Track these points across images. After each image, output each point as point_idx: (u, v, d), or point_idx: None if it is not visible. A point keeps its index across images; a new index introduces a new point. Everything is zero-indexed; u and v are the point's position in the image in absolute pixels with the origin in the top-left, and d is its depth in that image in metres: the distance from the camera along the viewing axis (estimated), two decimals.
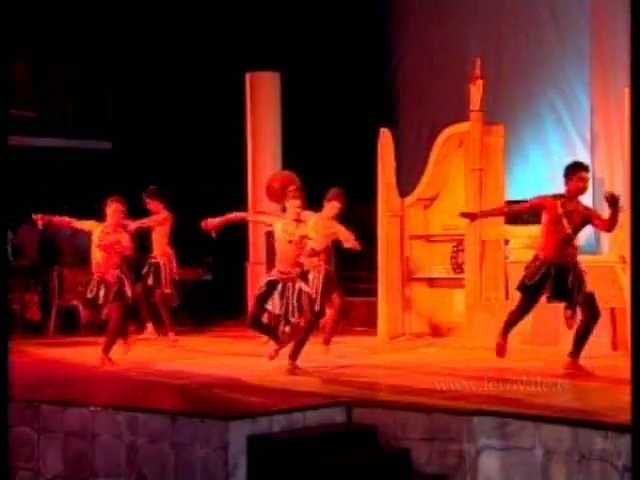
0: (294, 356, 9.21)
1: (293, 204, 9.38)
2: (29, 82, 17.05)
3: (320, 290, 10.65)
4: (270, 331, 9.71)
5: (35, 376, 9.23)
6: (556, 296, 9.00)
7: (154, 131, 16.79)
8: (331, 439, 7.14)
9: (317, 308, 10.68)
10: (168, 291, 12.40)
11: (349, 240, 10.41)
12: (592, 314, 8.93)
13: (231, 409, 7.39)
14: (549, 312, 9.81)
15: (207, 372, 9.45)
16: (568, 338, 10.19)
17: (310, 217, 10.23)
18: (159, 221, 12.41)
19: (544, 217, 9.13)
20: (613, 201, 8.67)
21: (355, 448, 7.15)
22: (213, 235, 9.52)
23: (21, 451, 7.59)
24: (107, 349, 10.19)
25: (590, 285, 8.96)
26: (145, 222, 12.18)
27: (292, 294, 9.20)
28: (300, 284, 9.23)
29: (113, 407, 7.40)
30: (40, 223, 10.73)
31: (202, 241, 15.53)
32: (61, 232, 14.30)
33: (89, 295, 10.35)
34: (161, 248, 12.43)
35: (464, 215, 10.14)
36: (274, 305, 9.41)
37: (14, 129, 13.69)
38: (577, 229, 9.07)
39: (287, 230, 9.32)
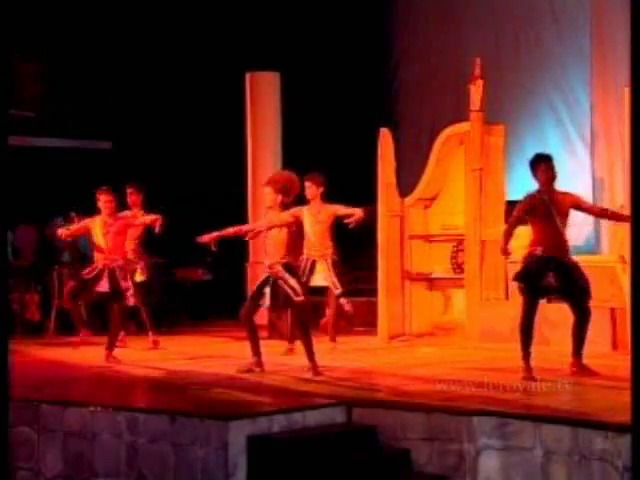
0: (310, 358, 9.18)
1: (266, 191, 9.32)
2: (29, 82, 17.05)
3: (332, 274, 10.77)
4: (254, 332, 9.45)
5: (35, 376, 9.24)
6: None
7: (154, 131, 16.79)
8: (331, 439, 7.14)
9: (338, 291, 10.73)
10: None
11: (353, 213, 10.59)
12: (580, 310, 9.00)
13: (231, 409, 7.39)
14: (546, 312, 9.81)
15: (207, 372, 9.45)
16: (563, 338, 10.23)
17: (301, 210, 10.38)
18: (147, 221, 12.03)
19: None
20: None
21: (355, 448, 7.15)
22: (213, 248, 9.49)
23: (21, 451, 7.59)
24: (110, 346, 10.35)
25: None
26: (132, 221, 11.57)
27: (276, 289, 9.16)
28: (285, 277, 9.14)
29: (113, 407, 7.40)
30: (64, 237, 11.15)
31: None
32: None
33: (87, 276, 10.44)
34: (131, 246, 12.12)
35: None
36: (265, 302, 9.32)
37: (14, 129, 13.72)
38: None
39: (268, 219, 9.33)
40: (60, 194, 15.41)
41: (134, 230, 11.94)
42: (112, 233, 10.57)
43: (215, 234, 9.49)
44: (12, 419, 7.11)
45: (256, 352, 9.37)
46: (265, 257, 9.36)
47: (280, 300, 9.17)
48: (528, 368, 8.67)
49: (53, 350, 11.79)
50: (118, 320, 10.47)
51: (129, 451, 7.15)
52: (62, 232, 10.99)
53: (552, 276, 8.80)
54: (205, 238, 9.45)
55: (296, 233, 9.57)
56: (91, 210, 10.90)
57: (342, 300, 10.91)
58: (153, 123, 16.82)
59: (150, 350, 11.65)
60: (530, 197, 9.00)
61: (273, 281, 9.16)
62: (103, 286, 10.43)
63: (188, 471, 6.88)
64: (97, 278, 10.43)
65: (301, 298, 9.13)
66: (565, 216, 8.94)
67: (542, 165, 8.94)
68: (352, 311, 11.10)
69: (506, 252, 9.11)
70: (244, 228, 10.09)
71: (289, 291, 9.10)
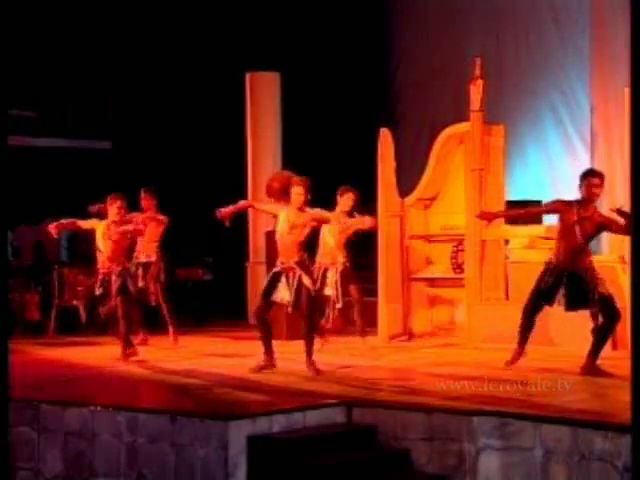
0: (309, 356, 9.19)
1: (296, 191, 9.27)
2: (29, 82, 17.05)
3: (339, 286, 10.76)
4: (268, 331, 9.45)
5: (35, 376, 9.23)
6: (574, 304, 8.99)
7: (154, 131, 16.80)
8: (331, 439, 7.14)
9: (339, 305, 10.77)
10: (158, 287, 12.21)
11: (365, 222, 10.52)
12: (609, 316, 8.91)
13: (231, 409, 7.39)
14: (546, 313, 9.80)
15: (207, 372, 9.44)
16: (566, 338, 10.22)
17: (325, 213, 10.24)
18: (157, 219, 12.16)
19: (559, 222, 9.13)
20: (622, 213, 8.68)
21: (355, 448, 7.15)
22: (227, 224, 9.36)
23: (21, 451, 7.59)
24: (126, 345, 10.33)
25: (606, 286, 8.96)
26: (140, 221, 11.66)
27: (292, 285, 9.13)
28: (300, 273, 9.14)
29: (113, 407, 7.41)
30: (55, 232, 10.80)
31: (202, 241, 15.64)
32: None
33: (97, 292, 10.38)
34: (152, 248, 12.23)
35: (481, 216, 10.13)
36: (281, 297, 9.27)
37: (14, 129, 13.73)
38: (589, 237, 9.00)
39: (289, 218, 9.25)
40: (60, 194, 15.41)
41: (154, 231, 12.02)
42: (112, 240, 10.52)
43: (230, 208, 9.40)
44: (12, 419, 7.10)
45: (268, 351, 9.31)
46: (280, 254, 9.28)
47: (295, 296, 9.13)
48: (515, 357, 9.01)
49: (53, 350, 11.79)
50: (124, 321, 10.45)
51: (129, 451, 7.15)
52: (52, 228, 10.78)
53: (563, 286, 8.87)
54: (222, 213, 9.32)
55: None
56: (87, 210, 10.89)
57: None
58: (153, 123, 16.83)
59: (171, 346, 11.74)
60: (563, 202, 9.04)
61: (286, 278, 9.15)
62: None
63: (188, 471, 6.89)
64: (104, 291, 10.44)
65: (314, 292, 9.20)
66: (590, 235, 8.94)
67: (587, 179, 8.95)
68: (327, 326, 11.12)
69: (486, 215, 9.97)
70: (256, 205, 10.22)
71: (306, 286, 9.10)
